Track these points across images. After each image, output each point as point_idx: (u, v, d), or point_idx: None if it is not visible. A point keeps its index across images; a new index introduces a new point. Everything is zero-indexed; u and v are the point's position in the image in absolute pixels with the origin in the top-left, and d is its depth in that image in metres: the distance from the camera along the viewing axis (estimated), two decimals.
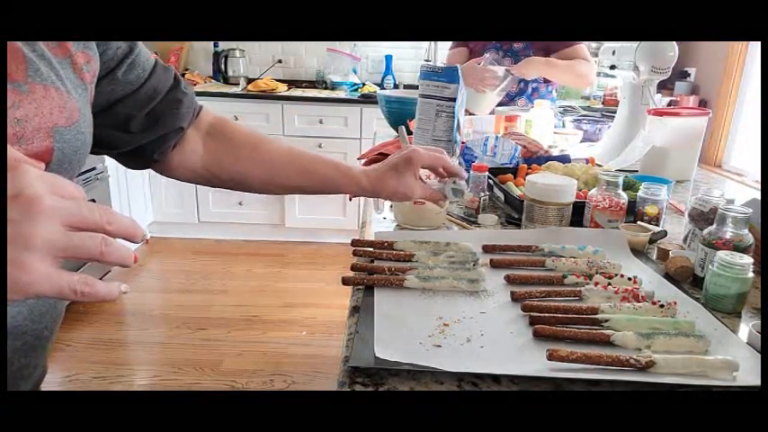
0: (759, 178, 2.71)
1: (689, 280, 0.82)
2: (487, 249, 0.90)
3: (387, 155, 1.27)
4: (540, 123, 1.74)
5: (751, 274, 0.72)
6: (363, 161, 1.52)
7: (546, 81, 2.05)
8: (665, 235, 0.96)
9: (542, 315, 0.68)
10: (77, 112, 0.54)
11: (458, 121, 1.24)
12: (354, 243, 0.88)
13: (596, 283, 0.77)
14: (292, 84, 3.58)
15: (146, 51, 0.67)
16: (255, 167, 0.74)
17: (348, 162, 0.77)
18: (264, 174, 0.75)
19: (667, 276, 0.83)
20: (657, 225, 0.99)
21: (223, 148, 0.74)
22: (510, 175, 1.23)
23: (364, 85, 3.49)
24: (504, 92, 1.90)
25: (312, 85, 3.65)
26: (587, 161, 1.37)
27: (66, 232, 0.34)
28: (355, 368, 0.58)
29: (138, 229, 0.39)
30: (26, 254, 0.33)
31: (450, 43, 2.33)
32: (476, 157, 1.34)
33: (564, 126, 2.13)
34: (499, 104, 1.95)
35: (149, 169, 0.73)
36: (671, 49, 1.50)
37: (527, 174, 1.15)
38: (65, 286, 0.35)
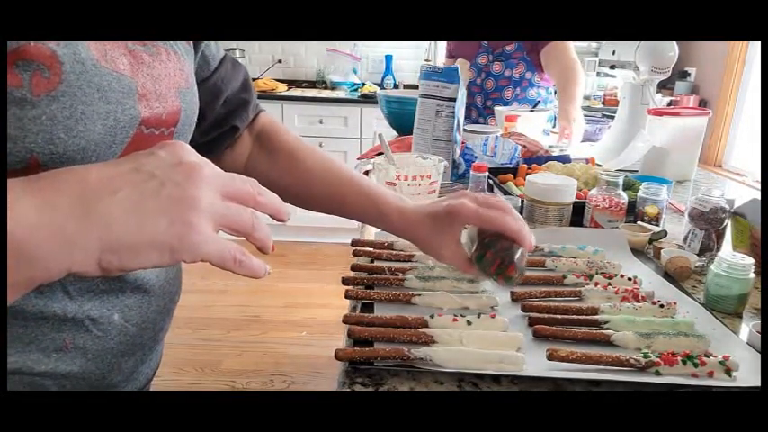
0: (759, 178, 2.71)
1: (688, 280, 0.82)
2: None
3: None
4: (530, 129, 1.70)
5: (752, 275, 0.72)
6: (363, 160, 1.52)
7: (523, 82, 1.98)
8: (665, 235, 0.96)
9: (542, 315, 0.68)
10: (191, 76, 0.55)
11: (458, 120, 1.24)
12: (354, 243, 0.88)
13: (596, 284, 0.77)
14: (292, 84, 3.57)
15: (216, 45, 0.65)
16: (288, 177, 0.69)
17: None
18: (296, 187, 0.70)
19: (667, 276, 0.83)
20: (657, 225, 0.98)
21: (264, 153, 0.71)
22: (510, 175, 1.23)
23: (364, 85, 3.49)
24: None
25: (312, 85, 3.65)
26: (587, 161, 1.37)
27: (223, 201, 0.34)
28: (355, 368, 0.58)
29: (284, 207, 0.38)
30: (194, 214, 0.33)
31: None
32: (476, 157, 1.34)
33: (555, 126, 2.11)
34: (499, 104, 1.94)
35: None
36: (671, 49, 1.50)
37: (527, 174, 1.14)
38: (227, 251, 0.34)
